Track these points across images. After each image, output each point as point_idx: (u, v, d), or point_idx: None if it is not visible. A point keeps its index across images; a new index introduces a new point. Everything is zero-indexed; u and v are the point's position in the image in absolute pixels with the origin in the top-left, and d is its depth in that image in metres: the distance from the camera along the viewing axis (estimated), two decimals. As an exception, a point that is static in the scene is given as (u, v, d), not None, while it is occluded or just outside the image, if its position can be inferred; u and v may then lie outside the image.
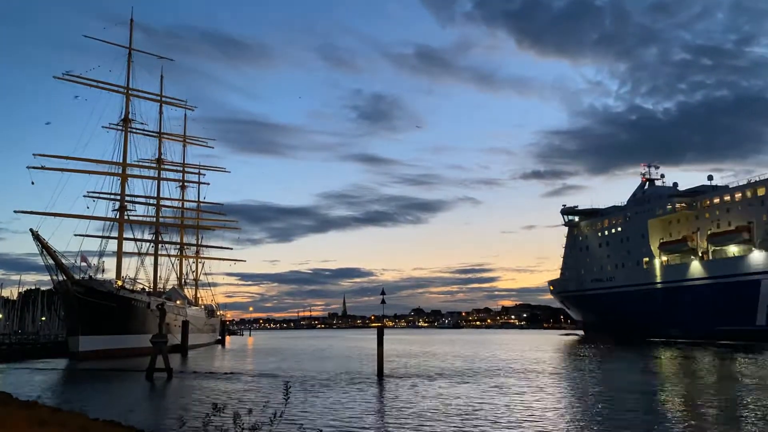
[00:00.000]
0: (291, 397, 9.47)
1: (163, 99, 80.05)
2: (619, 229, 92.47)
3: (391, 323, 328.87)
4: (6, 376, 36.80)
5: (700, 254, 77.38)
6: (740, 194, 76.07)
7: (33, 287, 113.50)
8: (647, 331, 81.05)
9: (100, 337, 54.28)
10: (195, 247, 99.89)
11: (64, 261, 53.99)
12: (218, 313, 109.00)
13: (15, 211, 59.41)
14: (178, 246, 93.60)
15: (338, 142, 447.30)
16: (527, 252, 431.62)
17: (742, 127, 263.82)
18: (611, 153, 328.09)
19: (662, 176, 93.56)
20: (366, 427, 18.40)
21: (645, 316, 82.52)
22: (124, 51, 69.37)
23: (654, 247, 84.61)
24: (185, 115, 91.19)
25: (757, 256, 68.92)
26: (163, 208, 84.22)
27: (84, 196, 68.21)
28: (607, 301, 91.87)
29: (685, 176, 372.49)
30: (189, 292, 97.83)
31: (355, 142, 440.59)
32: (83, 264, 57.87)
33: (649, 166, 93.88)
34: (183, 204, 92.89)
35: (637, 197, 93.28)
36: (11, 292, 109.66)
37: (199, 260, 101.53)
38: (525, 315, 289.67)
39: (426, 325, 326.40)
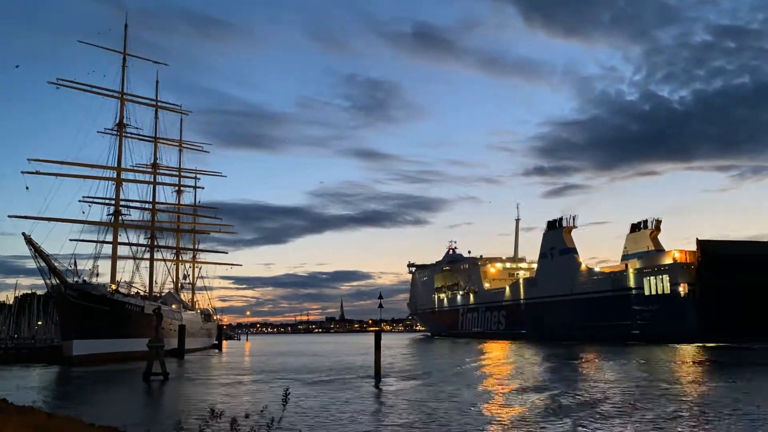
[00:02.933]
0: (289, 402, 9.39)
1: (159, 104, 79.96)
2: (426, 278, 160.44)
3: (389, 327, 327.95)
4: (1, 381, 36.58)
5: (447, 294, 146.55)
6: (462, 266, 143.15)
7: (29, 291, 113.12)
8: (442, 331, 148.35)
9: (94, 341, 54.01)
10: (191, 252, 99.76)
11: (57, 265, 53.78)
12: (214, 317, 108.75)
13: (9, 216, 59.14)
14: (173, 250, 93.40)
15: (331, 135, 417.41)
16: (525, 255, 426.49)
17: (761, 119, 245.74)
18: (620, 147, 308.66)
19: (456, 248, 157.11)
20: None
21: (437, 324, 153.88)
22: (118, 56, 69.33)
23: (436, 288, 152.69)
24: (181, 119, 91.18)
25: (459, 298, 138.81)
26: (158, 213, 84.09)
27: (79, 201, 68.17)
28: (426, 315, 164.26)
29: (697, 175, 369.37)
30: (185, 296, 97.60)
31: (350, 134, 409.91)
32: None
33: (451, 242, 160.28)
34: (179, 209, 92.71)
35: (441, 260, 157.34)
36: (7, 297, 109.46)
37: (195, 264, 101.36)
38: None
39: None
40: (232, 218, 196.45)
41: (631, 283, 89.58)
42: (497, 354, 62.04)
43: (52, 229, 63.61)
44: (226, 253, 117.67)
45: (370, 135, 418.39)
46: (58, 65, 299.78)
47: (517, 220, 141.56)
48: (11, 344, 68.66)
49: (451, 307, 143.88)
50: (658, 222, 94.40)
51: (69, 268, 56.57)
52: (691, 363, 43.43)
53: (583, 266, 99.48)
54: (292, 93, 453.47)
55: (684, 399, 23.73)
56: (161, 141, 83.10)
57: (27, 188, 58.30)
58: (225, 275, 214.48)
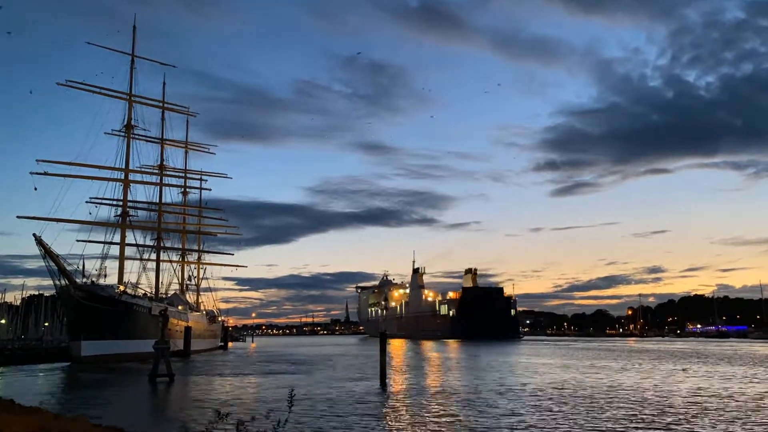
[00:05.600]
0: (295, 404, 9.39)
1: (166, 105, 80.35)
2: (365, 297, 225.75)
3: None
4: (9, 382, 36.75)
5: (375, 309, 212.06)
6: (385, 289, 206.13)
7: (36, 293, 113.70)
8: (372, 334, 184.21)
9: (102, 341, 54.26)
10: (196, 253, 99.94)
11: (66, 266, 54.03)
12: (219, 319, 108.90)
13: (18, 217, 59.45)
14: (179, 251, 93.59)
15: (332, 125, 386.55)
16: (532, 256, 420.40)
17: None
18: (637, 139, 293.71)
19: (387, 276, 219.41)
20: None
21: (370, 329, 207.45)
22: (126, 58, 69.72)
23: (370, 304, 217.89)
24: (187, 121, 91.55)
25: (379, 311, 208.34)
26: (165, 214, 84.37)
27: (87, 201, 68.54)
28: (365, 322, 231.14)
29: (710, 174, 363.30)
30: (190, 297, 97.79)
31: (351, 125, 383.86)
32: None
33: (385, 271, 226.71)
34: (185, 210, 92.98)
35: (377, 284, 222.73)
36: (14, 298, 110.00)
37: (200, 266, 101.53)
38: (528, 321, 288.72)
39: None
40: (229, 216, 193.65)
41: (437, 308, 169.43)
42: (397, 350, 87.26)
43: (61, 230, 63.91)
44: (232, 254, 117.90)
45: (373, 126, 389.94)
46: (67, 68, 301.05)
47: (413, 261, 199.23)
48: (18, 345, 68.96)
49: (376, 317, 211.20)
50: (476, 269, 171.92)
51: (77, 268, 56.85)
52: (449, 350, 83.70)
53: (424, 296, 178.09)
54: (287, 76, 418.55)
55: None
56: (168, 143, 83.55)
57: (35, 189, 58.69)
58: (228, 276, 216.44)
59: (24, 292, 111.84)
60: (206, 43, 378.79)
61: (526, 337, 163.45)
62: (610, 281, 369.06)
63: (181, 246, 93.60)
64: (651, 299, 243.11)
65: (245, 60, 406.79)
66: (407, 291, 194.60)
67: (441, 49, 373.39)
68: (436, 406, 23.30)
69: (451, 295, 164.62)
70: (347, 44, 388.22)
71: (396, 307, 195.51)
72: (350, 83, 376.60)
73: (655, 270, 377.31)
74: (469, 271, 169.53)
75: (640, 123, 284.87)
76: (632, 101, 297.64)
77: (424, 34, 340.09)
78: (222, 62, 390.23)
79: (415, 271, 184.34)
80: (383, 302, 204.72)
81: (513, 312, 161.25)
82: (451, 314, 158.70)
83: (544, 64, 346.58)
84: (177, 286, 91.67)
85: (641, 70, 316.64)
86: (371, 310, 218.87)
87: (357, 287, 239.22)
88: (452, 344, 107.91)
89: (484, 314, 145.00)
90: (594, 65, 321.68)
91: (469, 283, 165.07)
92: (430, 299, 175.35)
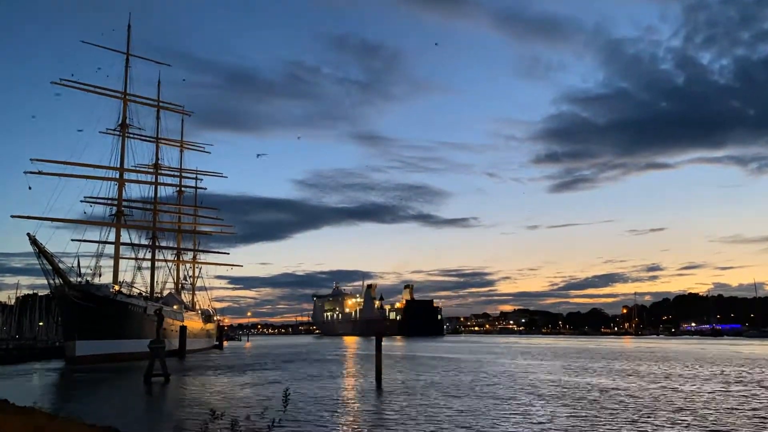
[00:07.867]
0: (289, 404, 9.37)
1: (161, 104, 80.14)
2: (321, 304, 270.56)
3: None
4: (3, 381, 36.58)
5: (330, 314, 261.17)
6: (339, 298, 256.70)
7: (30, 292, 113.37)
8: (328, 333, 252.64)
9: (97, 341, 54.06)
10: (192, 252, 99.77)
11: (61, 265, 53.78)
12: (215, 318, 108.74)
13: (12, 216, 59.11)
14: (174, 250, 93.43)
15: (321, 112, 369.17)
16: (528, 254, 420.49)
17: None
18: (643, 130, 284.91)
19: (338, 286, 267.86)
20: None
21: (326, 329, 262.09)
22: (121, 56, 69.45)
23: (325, 309, 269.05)
24: (182, 120, 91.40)
25: (335, 315, 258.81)
26: (160, 213, 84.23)
27: (81, 200, 68.35)
28: (320, 324, 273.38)
29: (712, 169, 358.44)
30: (186, 296, 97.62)
31: (343, 113, 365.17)
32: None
33: (336, 281, 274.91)
34: (180, 209, 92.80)
35: (330, 293, 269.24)
36: (8, 297, 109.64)
37: (196, 265, 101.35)
38: (523, 320, 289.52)
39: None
40: (220, 212, 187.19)
41: (387, 313, 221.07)
42: (351, 346, 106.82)
43: (55, 229, 63.60)
44: (228, 253, 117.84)
45: (365, 114, 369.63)
46: (62, 66, 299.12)
47: (366, 280, 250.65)
48: (12, 345, 68.73)
49: (332, 320, 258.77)
50: (413, 286, 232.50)
51: (72, 267, 56.55)
52: (398, 346, 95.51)
53: (375, 305, 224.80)
54: (275, 58, 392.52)
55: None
56: (163, 141, 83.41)
57: (30, 188, 58.40)
58: (222, 275, 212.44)
59: (18, 291, 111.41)
60: (191, 22, 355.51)
61: (447, 336, 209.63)
62: (607, 279, 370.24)
63: (176, 245, 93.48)
64: (647, 298, 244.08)
65: (229, 39, 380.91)
66: (360, 300, 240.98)
67: (439, 28, 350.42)
68: (434, 401, 23.38)
69: (398, 305, 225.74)
70: (337, 21, 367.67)
71: (350, 312, 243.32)
72: (340, 66, 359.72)
73: (652, 268, 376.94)
74: (407, 286, 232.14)
75: (647, 112, 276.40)
76: (641, 87, 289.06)
77: (421, 11, 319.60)
78: (204, 42, 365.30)
79: (369, 286, 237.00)
80: (338, 308, 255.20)
81: (439, 317, 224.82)
82: (398, 318, 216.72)
83: (549, 45, 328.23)
84: (172, 286, 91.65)
85: (652, 50, 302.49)
86: (326, 315, 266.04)
87: (313, 295, 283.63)
88: (399, 340, 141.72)
89: (420, 319, 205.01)
90: (602, 45, 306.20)
91: (408, 296, 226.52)
92: (379, 307, 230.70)
